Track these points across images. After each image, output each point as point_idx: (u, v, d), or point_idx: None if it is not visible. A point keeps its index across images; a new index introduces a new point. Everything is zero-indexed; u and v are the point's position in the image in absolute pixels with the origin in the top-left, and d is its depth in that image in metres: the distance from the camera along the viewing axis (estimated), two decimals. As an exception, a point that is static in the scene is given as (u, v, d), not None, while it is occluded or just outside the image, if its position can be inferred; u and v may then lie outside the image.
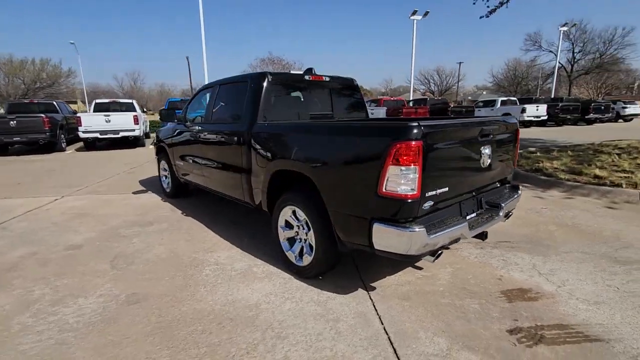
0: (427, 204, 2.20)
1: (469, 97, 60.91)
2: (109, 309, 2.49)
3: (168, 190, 5.47)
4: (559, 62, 34.52)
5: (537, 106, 18.81)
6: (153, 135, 17.76)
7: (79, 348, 2.09)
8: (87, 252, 3.50)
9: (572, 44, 36.03)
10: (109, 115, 11.66)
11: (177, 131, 4.85)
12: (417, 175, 2.05)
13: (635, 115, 23.67)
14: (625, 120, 23.38)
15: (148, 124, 15.53)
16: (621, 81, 47.17)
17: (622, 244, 3.49)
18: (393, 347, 2.05)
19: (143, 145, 13.20)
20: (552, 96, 26.50)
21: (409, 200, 2.08)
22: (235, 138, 3.46)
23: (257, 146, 3.18)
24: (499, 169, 2.87)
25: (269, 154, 3.04)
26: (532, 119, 18.56)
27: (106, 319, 2.37)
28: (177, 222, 4.36)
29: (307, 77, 3.70)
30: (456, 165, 2.41)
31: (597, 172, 5.98)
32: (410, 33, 22.03)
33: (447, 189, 2.30)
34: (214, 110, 4.03)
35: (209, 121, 4.11)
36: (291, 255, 2.95)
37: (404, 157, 2.02)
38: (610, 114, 21.56)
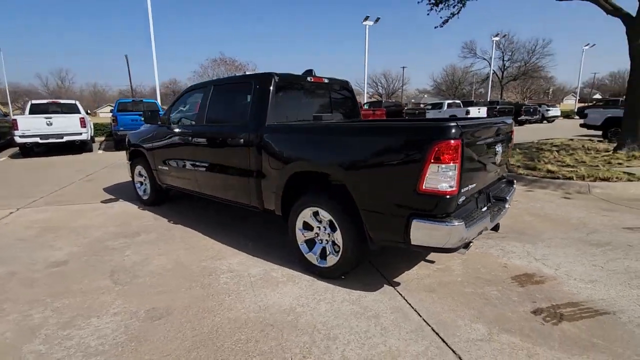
0: (460, 200, 2.35)
1: (412, 100, 64.41)
2: (132, 327, 2.30)
3: (146, 197, 5.11)
4: (492, 69, 38.03)
5: (479, 109, 20.49)
6: (100, 139, 16.40)
7: (116, 372, 1.91)
8: (76, 268, 3.17)
9: (502, 53, 40.22)
10: (50, 118, 10.52)
11: (159, 134, 4.56)
12: (457, 173, 2.18)
13: (556, 116, 26.80)
14: (549, 121, 26.34)
15: (92, 126, 14.24)
16: (541, 87, 53.25)
17: (589, 229, 3.98)
18: (440, 336, 2.16)
19: (91, 150, 12.10)
20: (489, 100, 29.00)
21: (448, 197, 2.21)
22: (241, 140, 3.36)
23: (270, 148, 3.12)
24: (503, 165, 3.14)
25: (285, 156, 3.00)
26: (475, 120, 20.18)
27: (134, 337, 2.19)
28: (167, 231, 4.10)
29: (308, 79, 3.71)
30: (480, 162, 2.60)
31: (549, 167, 6.73)
32: (363, 37, 22.80)
33: (475, 185, 2.47)
34: (208, 111, 3.87)
35: (201, 123, 3.93)
36: (312, 257, 2.94)
37: (445, 156, 2.14)
38: (537, 116, 24.19)
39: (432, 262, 3.21)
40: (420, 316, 2.37)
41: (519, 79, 42.50)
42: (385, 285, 2.80)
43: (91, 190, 6.17)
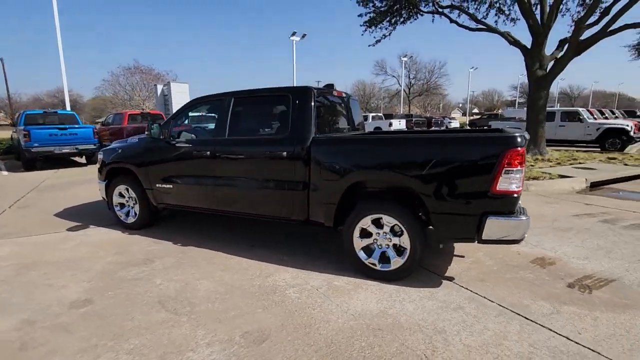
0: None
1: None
2: (242, 354, 2.15)
3: (131, 220, 4.54)
4: (399, 85, 42.54)
5: (399, 121, 22.73)
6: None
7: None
8: (109, 305, 2.74)
9: (409, 72, 45.41)
10: None
11: (156, 150, 4.16)
12: (522, 175, 2.61)
13: (456, 127, 31.18)
14: (451, 132, 30.51)
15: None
16: (438, 102, 61.32)
17: (550, 219, 4.89)
18: (522, 316, 2.52)
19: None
20: (403, 113, 32.22)
21: (516, 196, 2.62)
22: (284, 154, 3.34)
23: (323, 161, 3.18)
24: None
25: (342, 168, 3.10)
26: (396, 131, 22.35)
27: (255, 363, 2.06)
28: (181, 254, 3.75)
29: (333, 93, 3.86)
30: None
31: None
32: (288, 49, 23.30)
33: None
34: (230, 124, 3.71)
35: (222, 136, 3.75)
36: (372, 263, 3.08)
37: (515, 161, 2.55)
38: (443, 127, 27.79)
39: (462, 256, 3.62)
40: (493, 302, 2.72)
41: (422, 94, 48.62)
42: (442, 280, 3.09)
43: (36, 218, 5.18)
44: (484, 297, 2.78)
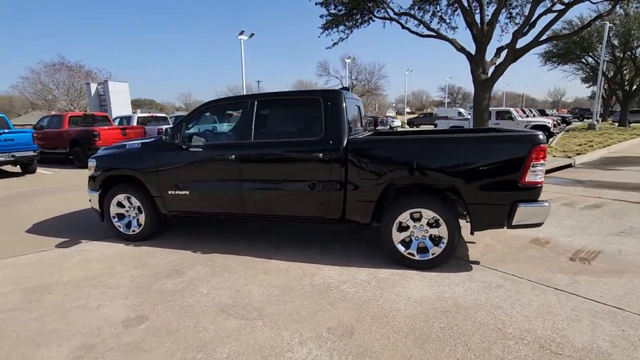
0: (536, 188, 3.23)
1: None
2: (338, 348, 2.24)
3: (134, 231, 4.23)
4: (342, 85, 43.80)
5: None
6: None
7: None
8: (167, 319, 2.61)
9: (351, 73, 47.00)
10: None
11: (169, 154, 3.95)
12: (544, 168, 3.05)
13: (398, 126, 33.15)
14: (393, 129, 32.43)
15: None
16: (375, 103, 64.49)
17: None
18: (553, 288, 2.95)
19: None
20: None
21: (540, 186, 3.06)
22: (320, 155, 3.43)
23: (362, 160, 3.35)
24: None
25: (383, 167, 3.29)
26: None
27: (363, 354, 2.17)
28: (210, 261, 3.64)
29: (351, 94, 4.04)
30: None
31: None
32: (238, 51, 22.71)
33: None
34: (256, 127, 3.69)
35: (246, 139, 3.70)
36: (410, 254, 3.33)
37: (540, 156, 2.98)
38: (387, 126, 29.38)
39: (473, 242, 4.05)
40: (522, 278, 3.13)
41: (364, 95, 50.81)
42: (471, 265, 3.45)
43: (6, 237, 4.55)
44: (514, 275, 3.19)
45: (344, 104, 3.52)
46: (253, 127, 3.71)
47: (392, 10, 12.80)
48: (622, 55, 26.38)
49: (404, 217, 3.31)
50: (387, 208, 3.37)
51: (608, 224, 4.55)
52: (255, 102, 3.76)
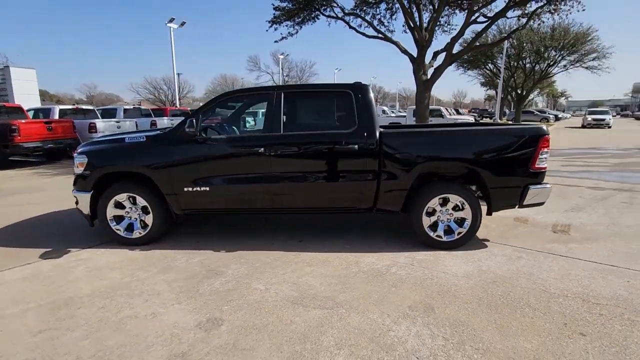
0: (536, 173, 3.81)
1: (190, 109, 63.35)
2: (431, 322, 2.43)
3: (139, 234, 3.81)
4: (274, 82, 43.58)
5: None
6: None
7: None
8: (244, 317, 2.50)
9: (282, 69, 46.59)
10: None
11: (183, 148, 3.66)
12: (548, 155, 3.62)
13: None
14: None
15: None
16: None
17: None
18: (556, 254, 3.54)
19: None
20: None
21: (545, 170, 3.62)
22: (355, 147, 3.54)
23: (395, 151, 3.55)
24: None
25: (415, 157, 3.55)
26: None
27: (462, 334, 2.38)
28: (242, 259, 3.50)
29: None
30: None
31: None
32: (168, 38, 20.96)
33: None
34: (286, 120, 3.63)
35: (275, 132, 3.63)
36: (438, 236, 3.66)
37: (545, 145, 3.53)
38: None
39: (472, 224, 4.55)
40: (532, 250, 3.68)
41: None
42: (482, 242, 3.91)
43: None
44: (523, 248, 3.73)
45: (372, 98, 3.68)
46: (282, 119, 3.65)
47: (342, 9, 13.22)
48: (515, 64, 31.10)
49: (433, 203, 3.62)
50: (418, 195, 3.64)
51: (560, 204, 5.50)
52: (282, 94, 3.70)
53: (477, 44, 12.19)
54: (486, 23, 11.78)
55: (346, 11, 13.16)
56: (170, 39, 20.91)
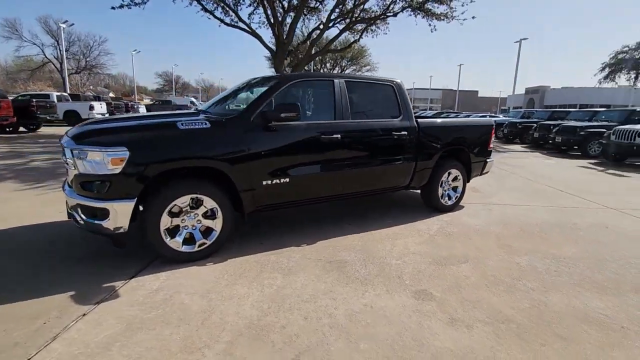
0: (481, 151, 5.51)
1: None
2: (549, 264, 3.49)
3: (207, 244, 3.05)
4: (47, 57, 33.21)
5: (101, 104, 19.23)
6: None
7: None
8: (448, 298, 2.81)
9: (57, 42, 35.08)
10: None
11: (265, 136, 3.20)
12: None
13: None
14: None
15: None
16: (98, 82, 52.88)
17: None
18: (489, 204, 5.35)
19: None
20: (67, 92, 26.13)
21: (492, 149, 5.34)
22: (405, 133, 4.13)
23: (428, 136, 4.38)
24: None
25: (438, 142, 4.48)
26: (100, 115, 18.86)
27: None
28: (344, 245, 3.49)
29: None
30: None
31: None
32: None
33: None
34: (344, 108, 3.76)
35: (345, 119, 3.73)
36: (445, 202, 4.81)
37: (494, 131, 5.24)
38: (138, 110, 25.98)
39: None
40: (507, 204, 5.36)
41: (82, 72, 39.90)
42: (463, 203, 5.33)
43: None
44: (500, 204, 5.36)
45: (406, 91, 4.35)
46: (349, 107, 3.77)
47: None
48: (319, 67, 36.49)
49: (445, 177, 4.70)
50: (435, 172, 4.61)
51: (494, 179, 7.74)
52: (345, 83, 3.80)
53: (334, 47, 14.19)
54: (339, 32, 13.86)
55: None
56: None
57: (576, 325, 2.31)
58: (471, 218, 4.60)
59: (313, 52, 13.70)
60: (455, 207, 4.97)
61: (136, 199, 2.72)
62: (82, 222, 2.76)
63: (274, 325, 2.21)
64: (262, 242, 3.57)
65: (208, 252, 3.11)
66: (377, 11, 13.63)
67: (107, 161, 2.62)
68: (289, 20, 13.41)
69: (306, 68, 14.45)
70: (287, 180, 3.39)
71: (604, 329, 2.28)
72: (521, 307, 2.51)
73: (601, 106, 32.77)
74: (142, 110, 28.83)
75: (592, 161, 10.87)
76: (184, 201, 2.92)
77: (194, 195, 2.95)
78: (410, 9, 12.02)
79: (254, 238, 3.65)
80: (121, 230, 2.74)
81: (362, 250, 3.42)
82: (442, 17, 11.96)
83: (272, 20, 12.98)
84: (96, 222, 2.71)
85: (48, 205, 4.51)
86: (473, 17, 12.15)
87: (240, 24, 12.83)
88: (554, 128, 13.32)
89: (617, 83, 29.01)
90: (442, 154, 4.65)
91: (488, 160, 5.22)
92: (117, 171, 2.64)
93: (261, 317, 2.30)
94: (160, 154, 2.79)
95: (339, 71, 35.48)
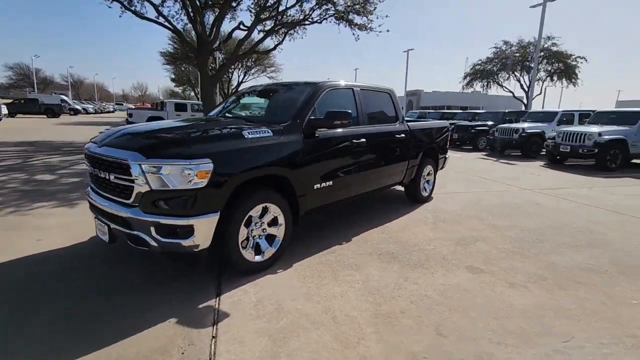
0: (438, 149, 6.49)
1: None
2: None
3: (272, 252, 3.06)
4: None
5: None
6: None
7: None
8: (546, 290, 3.43)
9: None
10: None
11: (313, 142, 3.34)
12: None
13: (6, 114, 24.11)
14: None
15: None
16: None
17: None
18: (508, 185, 6.43)
19: None
20: None
21: (447, 147, 6.35)
22: (403, 135, 4.71)
23: (416, 138, 5.04)
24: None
25: (422, 142, 5.20)
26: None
27: (512, 226, 4.51)
28: (374, 240, 3.84)
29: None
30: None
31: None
32: None
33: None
34: (361, 113, 4.13)
35: (363, 124, 4.09)
36: (425, 193, 5.59)
37: (448, 133, 6.26)
38: None
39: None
40: (491, 190, 6.37)
41: None
42: (443, 194, 6.19)
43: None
44: (447, 193, 6.34)
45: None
46: (361, 113, 4.14)
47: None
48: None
49: (425, 172, 5.47)
50: (420, 167, 5.33)
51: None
52: (360, 91, 4.15)
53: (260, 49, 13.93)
54: (264, 34, 13.75)
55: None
56: None
57: (581, 274, 3.18)
58: (447, 205, 5.46)
59: (240, 52, 13.37)
60: (430, 197, 5.80)
61: (219, 212, 2.61)
62: (154, 243, 2.50)
63: (394, 312, 2.48)
64: (308, 244, 3.68)
65: (274, 260, 3.12)
66: (295, 16, 14.08)
67: (193, 174, 2.46)
68: (211, 18, 12.82)
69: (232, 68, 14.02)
70: (331, 183, 3.60)
71: (597, 273, 3.21)
72: (542, 268, 3.30)
73: (461, 108, 39.88)
74: (4, 113, 23.62)
75: (483, 154, 13.44)
76: (257, 210, 2.89)
77: (265, 204, 2.94)
78: (334, 18, 12.83)
79: (295, 242, 3.73)
80: (204, 247, 2.59)
81: (395, 242, 3.85)
82: (362, 28, 13.12)
83: (192, 16, 12.22)
84: (176, 241, 2.50)
85: (12, 232, 3.67)
86: (388, 31, 13.67)
87: (161, 19, 11.70)
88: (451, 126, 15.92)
89: (474, 89, 35.50)
90: (423, 152, 5.40)
91: (447, 156, 6.21)
92: (203, 184, 2.50)
93: (377, 307, 2.53)
94: (240, 164, 2.72)
95: (244, 71, 34.88)
